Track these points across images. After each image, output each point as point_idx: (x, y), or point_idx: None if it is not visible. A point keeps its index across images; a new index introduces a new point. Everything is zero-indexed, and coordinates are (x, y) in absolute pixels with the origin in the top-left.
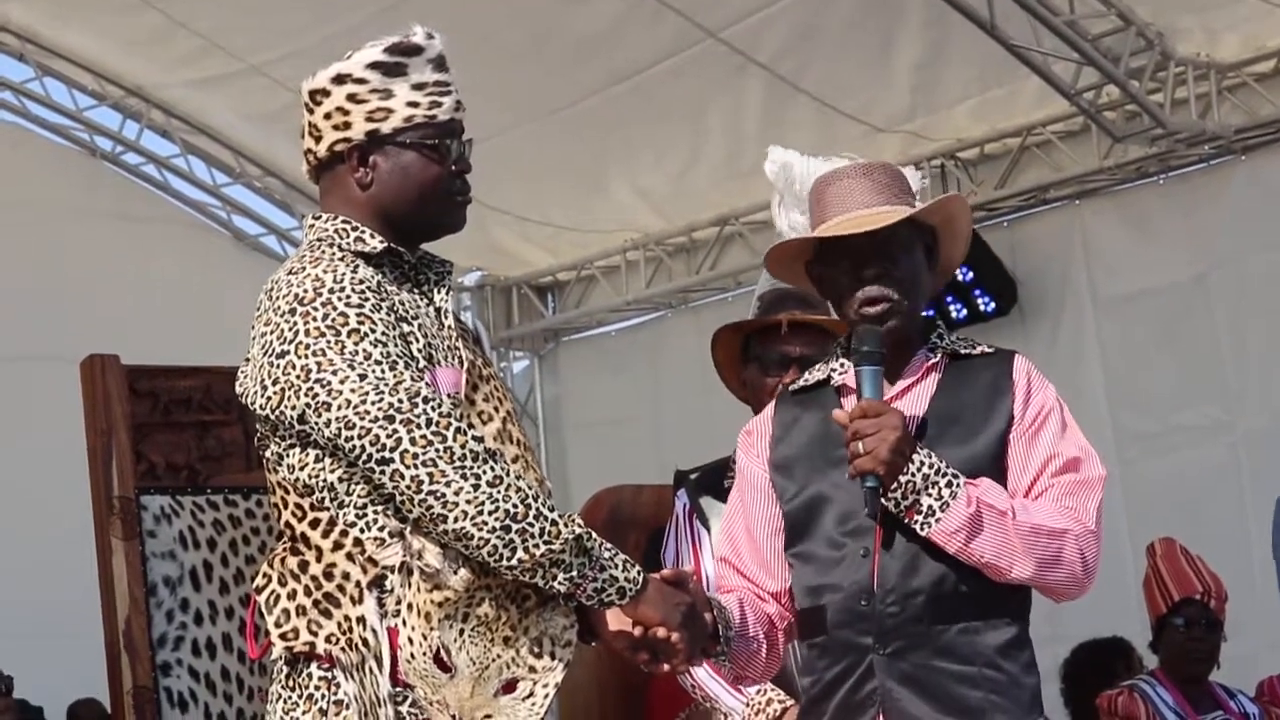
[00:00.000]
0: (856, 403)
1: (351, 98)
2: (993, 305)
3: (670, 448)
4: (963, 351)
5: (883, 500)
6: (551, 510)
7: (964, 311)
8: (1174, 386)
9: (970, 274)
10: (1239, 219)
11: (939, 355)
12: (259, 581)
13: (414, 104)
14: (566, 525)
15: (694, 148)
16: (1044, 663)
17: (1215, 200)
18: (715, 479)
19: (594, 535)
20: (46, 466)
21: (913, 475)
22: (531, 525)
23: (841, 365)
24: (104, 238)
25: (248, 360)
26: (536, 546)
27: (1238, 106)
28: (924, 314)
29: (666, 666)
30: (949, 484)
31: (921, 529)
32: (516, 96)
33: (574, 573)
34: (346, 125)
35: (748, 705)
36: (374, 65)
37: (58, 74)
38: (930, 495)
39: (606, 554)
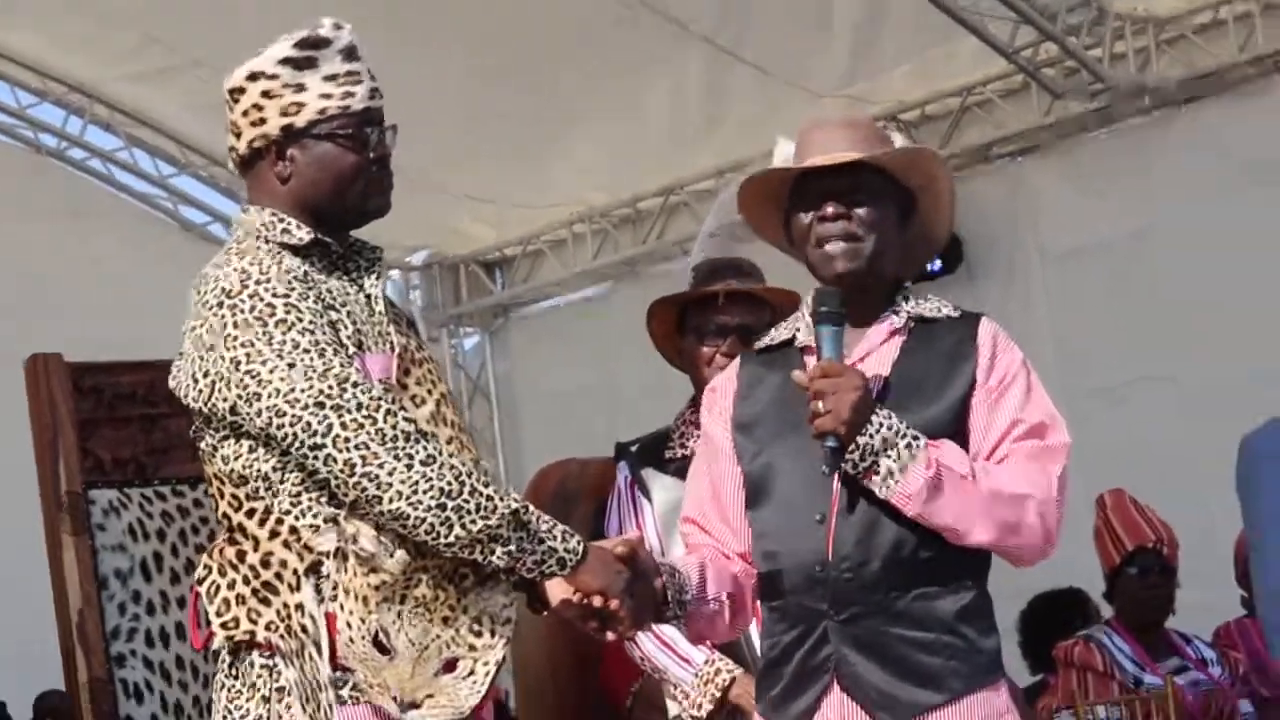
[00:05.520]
0: (816, 363)
1: (266, 94)
2: (939, 264)
3: (623, 417)
4: (928, 315)
5: (844, 462)
6: (487, 486)
7: None
8: (1122, 340)
9: None
10: (1181, 171)
11: (904, 318)
12: (200, 573)
13: (326, 95)
14: (502, 500)
15: (636, 119)
16: (1003, 618)
17: (1158, 153)
18: (656, 450)
19: (531, 508)
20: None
21: (871, 436)
22: (467, 502)
23: (808, 325)
24: (51, 234)
25: (181, 355)
26: (473, 522)
27: (1176, 59)
28: (891, 275)
29: (611, 635)
30: (909, 445)
31: (880, 491)
32: (453, 75)
33: (512, 547)
34: (262, 121)
35: (696, 676)
36: (285, 60)
37: None
38: (889, 457)
39: (544, 526)
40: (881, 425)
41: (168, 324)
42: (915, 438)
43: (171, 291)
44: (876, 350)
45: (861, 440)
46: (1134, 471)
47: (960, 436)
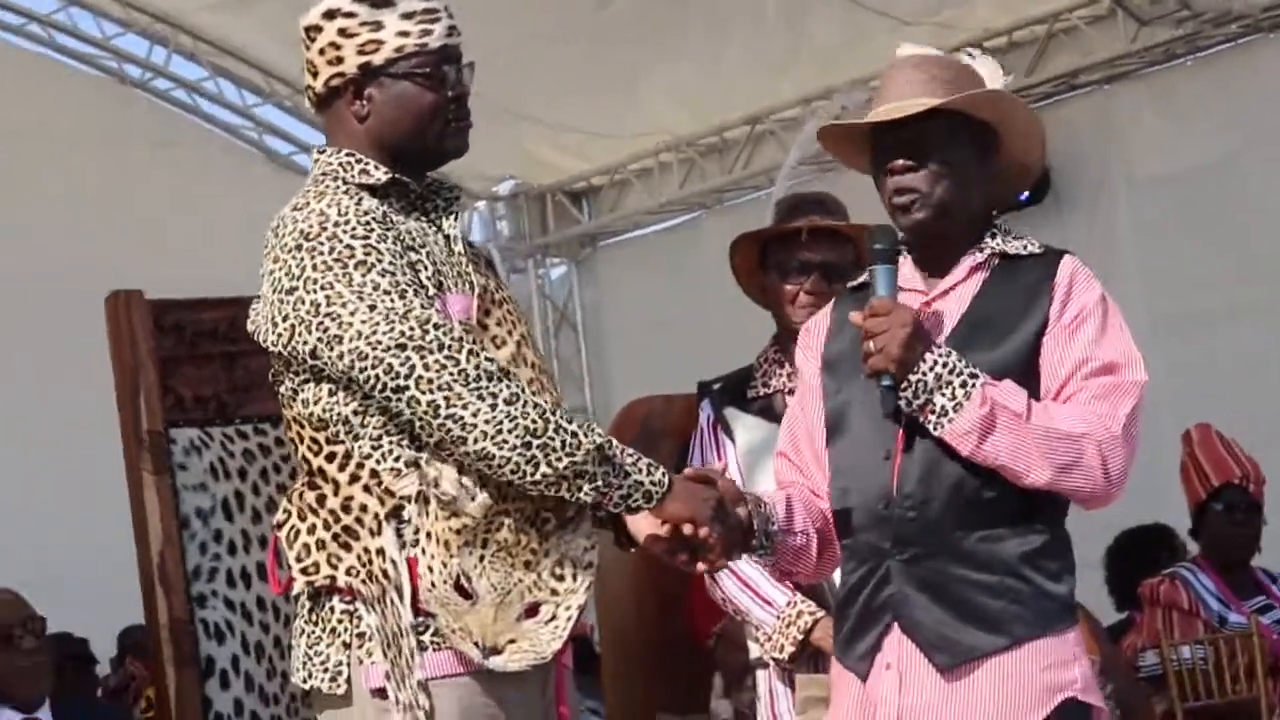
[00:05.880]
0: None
1: (342, 32)
2: (1026, 193)
3: (709, 346)
4: (1012, 252)
5: (899, 400)
6: (570, 422)
7: None
8: (1210, 269)
9: None
10: (1268, 98)
11: (986, 255)
12: (279, 517)
13: (404, 33)
14: (587, 435)
15: (720, 47)
16: (1088, 551)
17: (1245, 80)
18: (738, 389)
19: (615, 443)
20: (82, 399)
21: (924, 374)
22: (552, 439)
23: None
24: (137, 163)
25: (259, 298)
26: (559, 459)
27: None
28: (977, 212)
29: (702, 566)
30: (964, 384)
31: (935, 429)
32: (537, 5)
33: (599, 482)
34: (339, 60)
35: (778, 618)
36: None
37: (82, 3)
38: (944, 395)
39: (629, 460)
40: (936, 363)
41: (252, 255)
42: (972, 375)
43: (256, 222)
44: (958, 286)
45: (914, 378)
46: (1219, 402)
47: (1031, 376)
